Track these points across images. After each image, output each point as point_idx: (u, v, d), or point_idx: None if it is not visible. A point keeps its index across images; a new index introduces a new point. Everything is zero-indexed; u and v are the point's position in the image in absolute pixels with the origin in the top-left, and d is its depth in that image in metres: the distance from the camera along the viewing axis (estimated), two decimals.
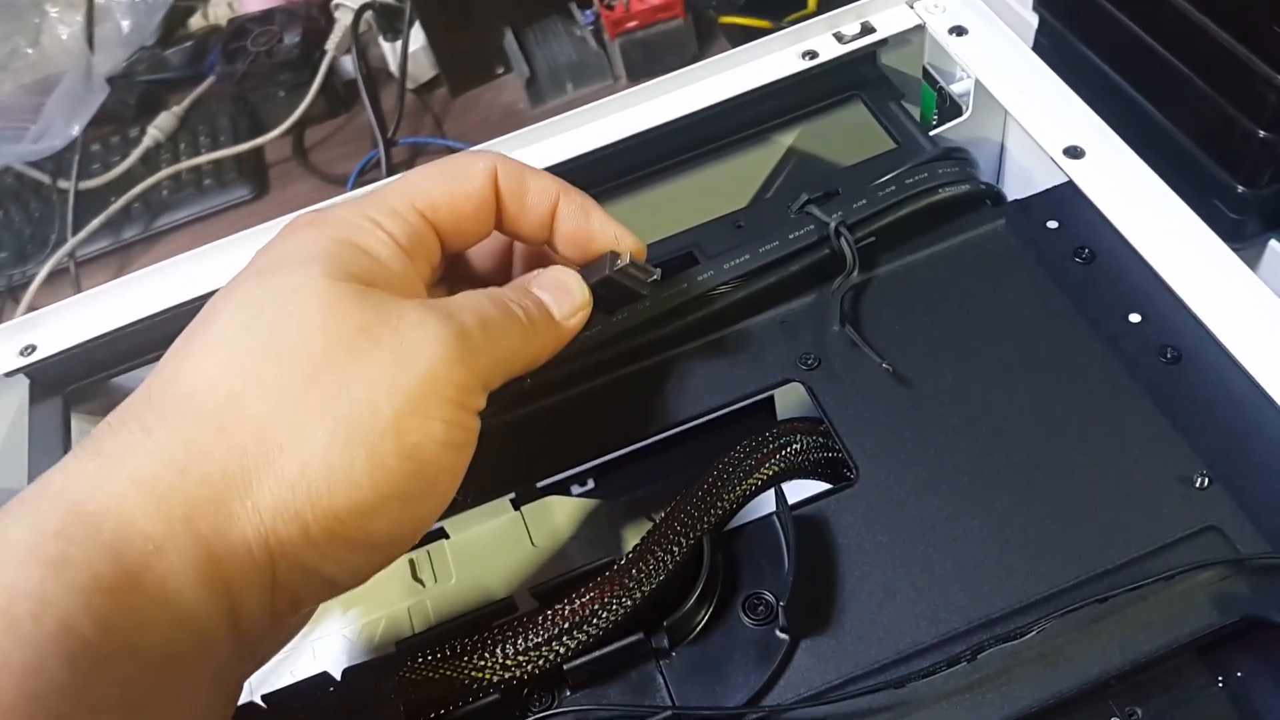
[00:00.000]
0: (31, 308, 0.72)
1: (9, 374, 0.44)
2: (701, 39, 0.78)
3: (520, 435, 0.37)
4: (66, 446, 0.43)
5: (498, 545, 0.39)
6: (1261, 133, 0.41)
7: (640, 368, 0.38)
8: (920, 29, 0.47)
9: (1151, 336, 0.35)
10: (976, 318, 0.37)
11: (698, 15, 0.77)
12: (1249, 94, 0.42)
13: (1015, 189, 0.44)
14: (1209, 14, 0.43)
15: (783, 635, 0.30)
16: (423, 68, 0.81)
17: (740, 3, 0.77)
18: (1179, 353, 0.34)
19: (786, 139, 0.48)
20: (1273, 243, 0.44)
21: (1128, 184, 0.39)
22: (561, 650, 0.30)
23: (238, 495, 0.25)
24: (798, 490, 0.34)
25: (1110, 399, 0.34)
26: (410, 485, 0.27)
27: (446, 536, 0.39)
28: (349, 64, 0.82)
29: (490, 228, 0.33)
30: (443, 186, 0.31)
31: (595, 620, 0.30)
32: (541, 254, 0.36)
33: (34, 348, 0.44)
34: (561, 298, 0.32)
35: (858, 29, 0.47)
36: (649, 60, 0.76)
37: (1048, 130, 0.41)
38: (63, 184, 0.78)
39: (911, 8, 0.48)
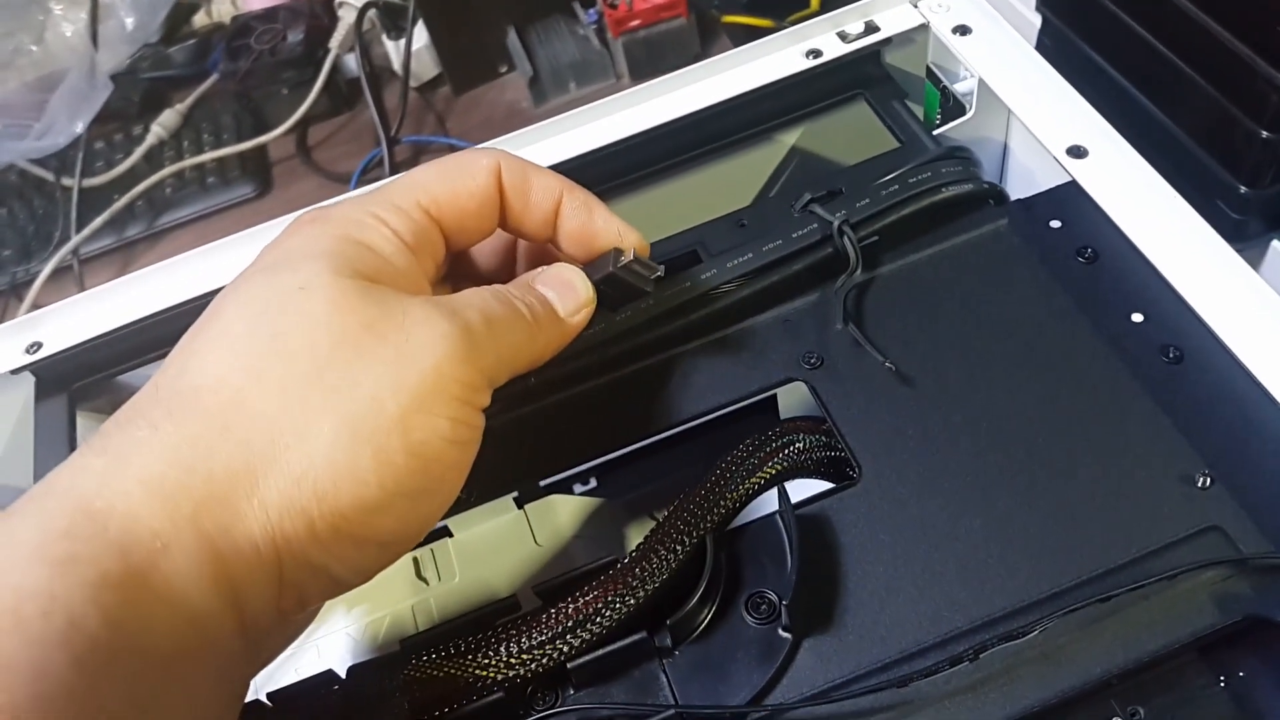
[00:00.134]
0: (35, 305, 0.72)
1: (15, 371, 0.44)
2: (704, 38, 0.78)
3: (523, 434, 0.37)
4: (72, 443, 0.44)
5: (501, 544, 0.39)
6: (1264, 133, 0.42)
7: (643, 366, 0.38)
8: (924, 28, 0.47)
9: (1154, 336, 0.35)
10: (979, 317, 0.37)
11: (701, 14, 0.77)
12: (1251, 94, 0.42)
13: (1018, 188, 0.44)
14: (1212, 14, 0.43)
15: (785, 634, 0.30)
16: (426, 66, 0.81)
17: (743, 2, 0.77)
18: (1181, 352, 0.34)
19: (790, 138, 0.48)
20: (1275, 243, 0.44)
21: (1130, 184, 0.39)
22: (565, 649, 0.30)
23: (244, 493, 0.25)
24: (800, 489, 0.34)
25: (1112, 398, 0.34)
26: (416, 482, 0.27)
27: (450, 535, 0.39)
28: (352, 62, 0.82)
29: (494, 225, 0.33)
30: (446, 184, 0.32)
31: (598, 619, 0.30)
32: (545, 251, 0.36)
33: (40, 345, 0.44)
34: (566, 294, 0.32)
35: (861, 28, 0.47)
36: (652, 59, 0.76)
37: (1051, 130, 0.41)
38: (66, 181, 0.79)
39: (915, 7, 0.48)
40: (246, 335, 0.27)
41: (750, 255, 0.39)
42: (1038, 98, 0.42)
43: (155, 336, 0.44)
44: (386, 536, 0.27)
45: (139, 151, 0.79)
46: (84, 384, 0.45)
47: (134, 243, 0.78)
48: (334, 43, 0.80)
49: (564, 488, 0.40)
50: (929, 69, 0.49)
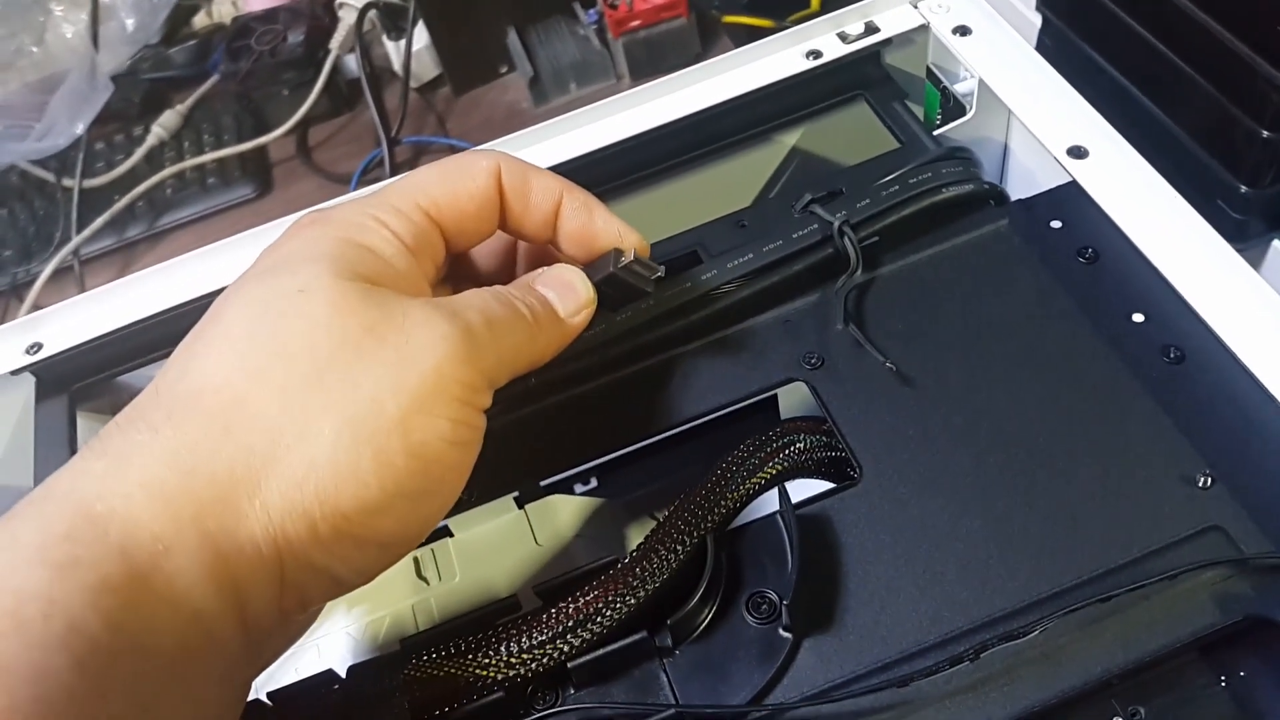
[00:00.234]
0: (36, 306, 0.72)
1: (15, 372, 0.44)
2: (705, 39, 0.78)
3: (524, 434, 0.37)
4: (73, 445, 0.44)
5: (502, 544, 0.39)
6: (1265, 133, 0.42)
7: (644, 367, 0.38)
8: (924, 29, 0.47)
9: (1154, 336, 0.35)
10: (980, 317, 0.37)
11: (701, 15, 0.77)
12: (1252, 94, 0.42)
13: (1019, 189, 0.44)
14: (1212, 14, 0.43)
15: (786, 634, 0.30)
16: (426, 67, 0.81)
17: (744, 2, 0.77)
18: (1182, 352, 0.34)
19: (790, 138, 0.48)
20: (1276, 243, 0.44)
21: (1131, 184, 0.39)
22: (565, 648, 0.30)
23: (245, 494, 0.25)
24: (801, 489, 0.34)
25: (1113, 399, 0.34)
26: (417, 483, 0.27)
27: (451, 535, 0.39)
28: (353, 63, 0.82)
29: (494, 226, 0.33)
30: (446, 185, 0.32)
31: (599, 619, 0.30)
32: (545, 253, 0.36)
33: (40, 346, 0.44)
34: (566, 295, 0.32)
35: (861, 29, 0.47)
36: (652, 60, 0.76)
37: (1051, 130, 0.41)
38: (67, 182, 0.79)
39: (915, 7, 0.48)
40: (247, 338, 0.27)
41: (751, 256, 0.39)
42: (1038, 98, 0.42)
43: (156, 337, 0.44)
44: (387, 537, 0.27)
45: (139, 152, 0.80)
46: (84, 385, 0.45)
47: (134, 243, 0.78)
48: (334, 43, 0.80)
49: (565, 488, 0.40)
50: (929, 69, 0.49)
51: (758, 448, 0.35)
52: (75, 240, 0.76)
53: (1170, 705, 0.31)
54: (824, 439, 0.36)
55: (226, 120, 0.82)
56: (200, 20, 0.90)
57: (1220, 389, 0.33)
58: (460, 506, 0.33)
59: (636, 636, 0.30)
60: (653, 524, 0.33)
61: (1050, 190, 0.40)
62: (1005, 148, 0.46)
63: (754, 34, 0.71)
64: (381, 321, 0.27)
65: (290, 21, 0.82)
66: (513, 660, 0.30)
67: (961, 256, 0.39)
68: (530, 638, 0.30)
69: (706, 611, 0.31)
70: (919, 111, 0.49)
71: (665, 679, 0.30)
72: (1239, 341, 0.33)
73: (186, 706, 0.24)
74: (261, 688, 0.31)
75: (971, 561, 0.31)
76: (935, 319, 0.37)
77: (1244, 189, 0.44)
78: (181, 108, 0.83)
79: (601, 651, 0.30)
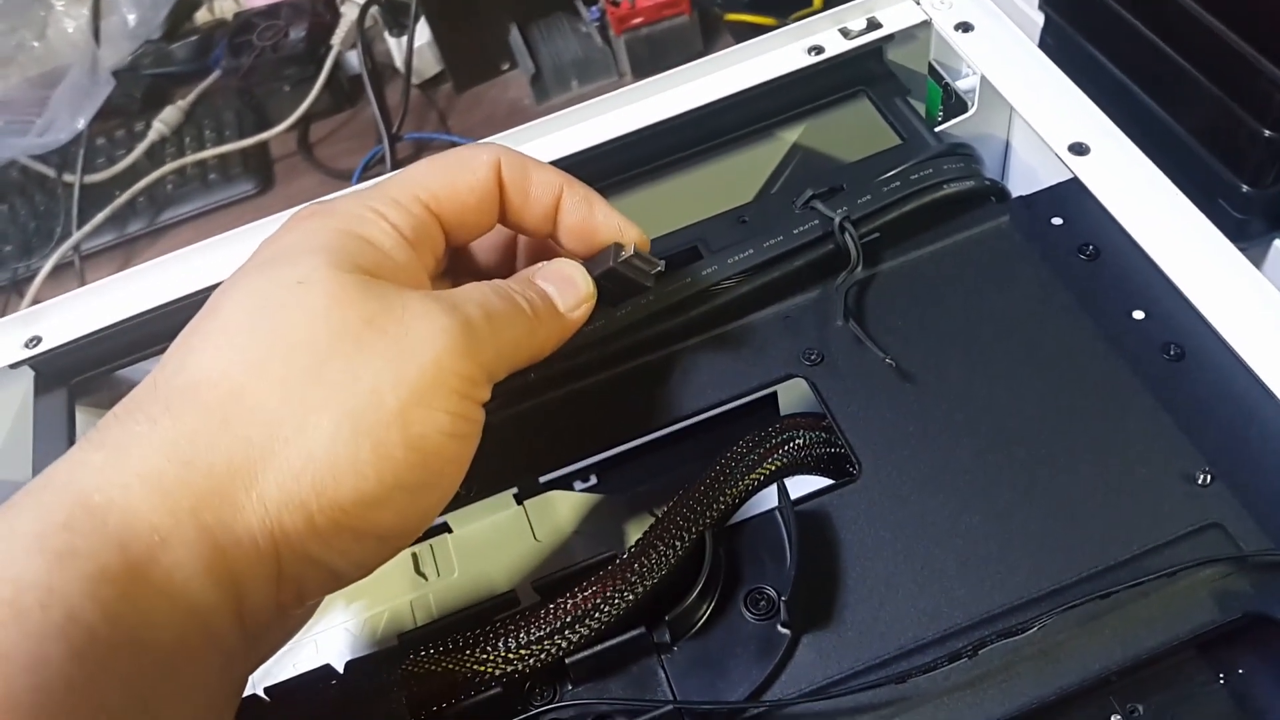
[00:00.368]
0: (36, 301, 0.72)
1: (14, 366, 0.44)
2: (707, 35, 0.77)
3: (523, 430, 0.37)
4: (71, 438, 0.44)
5: (500, 539, 0.39)
6: (1267, 132, 0.41)
7: (643, 362, 0.38)
8: (926, 25, 0.47)
9: (1155, 333, 0.35)
10: (980, 314, 0.37)
11: (703, 12, 0.77)
12: (1255, 93, 0.42)
13: (1020, 185, 0.44)
14: (1215, 13, 0.43)
15: (784, 630, 0.30)
16: (428, 63, 0.81)
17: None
18: (1182, 350, 0.34)
19: (791, 134, 0.48)
20: (1277, 242, 0.44)
21: (1132, 181, 0.38)
22: (563, 644, 0.30)
23: (243, 487, 0.25)
24: (800, 485, 0.34)
25: (1113, 396, 0.34)
26: (415, 476, 0.27)
27: (449, 530, 0.39)
28: (354, 59, 0.82)
29: (494, 220, 0.33)
30: (446, 178, 0.31)
31: (597, 614, 0.30)
32: (545, 247, 0.36)
33: (39, 340, 0.44)
34: (566, 289, 0.32)
35: (863, 25, 0.47)
36: (654, 57, 0.76)
37: (1053, 127, 0.41)
38: (68, 177, 0.79)
39: (918, 4, 0.47)
40: (245, 330, 0.27)
41: (751, 251, 0.39)
42: (1040, 95, 0.42)
43: (155, 331, 0.44)
44: (385, 530, 0.27)
45: (140, 148, 0.79)
46: (83, 379, 0.45)
47: (135, 239, 0.78)
48: (336, 39, 0.80)
49: (564, 484, 0.40)
50: (931, 66, 0.49)
51: (757, 444, 0.35)
52: (76, 236, 0.76)
53: (1169, 702, 0.31)
54: (823, 435, 0.36)
55: (228, 116, 0.82)
56: (202, 16, 0.90)
57: (1220, 387, 0.33)
58: (459, 502, 0.33)
59: (635, 632, 0.30)
60: (651, 520, 0.33)
61: (1051, 187, 0.40)
62: (1007, 144, 0.46)
63: (756, 31, 0.71)
64: (381, 314, 0.27)
65: (292, 17, 0.82)
66: (511, 656, 0.30)
67: (962, 253, 0.39)
68: (528, 633, 0.30)
69: (705, 607, 0.31)
70: (921, 108, 0.49)
71: (663, 675, 0.30)
72: (1239, 339, 0.33)
73: (183, 699, 0.24)
74: (259, 683, 0.31)
75: (970, 558, 0.31)
76: (935, 315, 0.37)
77: (1245, 188, 0.43)
78: (183, 103, 0.83)
79: (599, 647, 0.30)
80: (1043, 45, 0.53)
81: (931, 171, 0.40)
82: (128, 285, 0.45)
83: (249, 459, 0.25)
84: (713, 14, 0.78)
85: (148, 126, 0.81)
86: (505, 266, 0.36)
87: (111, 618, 0.23)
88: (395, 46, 0.80)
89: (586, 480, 0.41)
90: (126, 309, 0.44)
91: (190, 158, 0.79)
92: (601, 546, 0.34)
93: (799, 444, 0.35)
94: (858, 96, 0.48)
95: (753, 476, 0.34)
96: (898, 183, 0.40)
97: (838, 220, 0.39)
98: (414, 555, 0.40)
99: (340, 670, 0.32)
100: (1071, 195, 0.39)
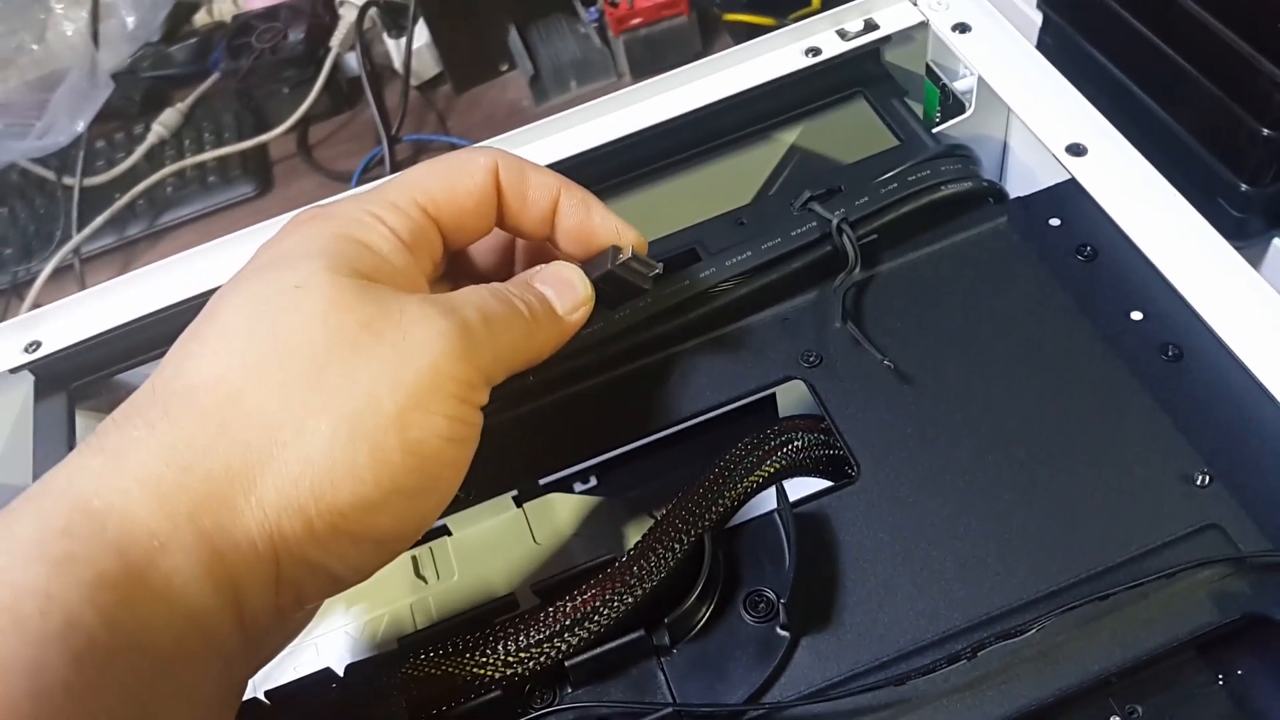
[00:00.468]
0: (36, 304, 0.72)
1: (14, 370, 0.44)
2: (705, 36, 0.77)
3: (522, 432, 0.37)
4: (71, 443, 0.44)
5: (500, 542, 0.39)
6: (1265, 131, 0.41)
7: (642, 365, 0.38)
8: (923, 26, 0.47)
9: (1153, 334, 0.35)
10: (978, 315, 0.37)
11: (702, 12, 0.77)
12: (1253, 92, 0.42)
13: (1018, 186, 0.44)
14: (1214, 12, 0.43)
15: (783, 632, 0.30)
16: (427, 65, 0.81)
17: (744, 0, 0.77)
18: (1180, 351, 0.34)
19: (789, 136, 0.48)
20: (1276, 241, 0.44)
21: (1130, 182, 0.39)
22: (563, 647, 0.30)
23: (241, 491, 0.25)
24: (799, 488, 0.34)
25: (1111, 397, 0.34)
26: (413, 480, 0.27)
27: (449, 533, 0.39)
28: (353, 61, 0.82)
29: (492, 223, 0.33)
30: (444, 182, 0.32)
31: (596, 617, 0.30)
32: (543, 250, 0.36)
33: (39, 344, 0.44)
34: (564, 292, 0.32)
35: (861, 26, 0.47)
36: (653, 57, 0.76)
37: (1050, 127, 0.41)
38: (67, 180, 0.79)
39: (915, 5, 0.47)
40: (244, 334, 0.27)
41: (749, 253, 0.39)
42: (1037, 95, 0.42)
43: (154, 335, 0.44)
44: (384, 534, 0.27)
45: (140, 150, 0.80)
46: (83, 383, 0.45)
47: (135, 242, 0.78)
48: (335, 41, 0.80)
49: (563, 486, 0.40)
50: (928, 67, 0.49)
51: (755, 446, 0.35)
52: (76, 239, 0.76)
53: (1168, 704, 0.31)
54: (822, 437, 0.36)
55: (227, 118, 0.82)
56: (201, 18, 0.90)
57: (1218, 387, 0.33)
58: (458, 505, 0.33)
59: (634, 635, 0.30)
60: (651, 522, 0.33)
61: (1049, 188, 0.40)
62: (1004, 145, 0.46)
63: (755, 32, 0.71)
64: (379, 318, 0.27)
65: (291, 19, 0.82)
66: (510, 659, 0.30)
67: (960, 254, 0.39)
68: (528, 636, 0.30)
69: (704, 610, 0.31)
70: (918, 109, 0.49)
71: (663, 678, 0.30)
72: (1238, 340, 0.33)
73: (183, 703, 0.24)
74: (259, 686, 0.31)
75: (969, 560, 0.31)
76: (934, 317, 0.37)
77: (1244, 187, 0.43)
78: (182, 106, 0.83)
79: (599, 650, 0.30)
80: (1041, 45, 0.53)
81: (929, 173, 0.40)
82: (127, 289, 0.45)
83: (247, 463, 0.25)
84: (711, 14, 0.78)
85: (147, 129, 0.81)
86: (503, 270, 0.36)
87: (110, 623, 0.23)
88: (394, 48, 0.80)
89: (586, 482, 0.41)
90: (126, 313, 0.44)
91: (189, 160, 0.79)
92: (601, 549, 0.34)
93: (798, 446, 0.35)
94: (855, 98, 0.48)
95: (752, 479, 0.34)
96: (895, 184, 0.40)
97: (835, 222, 0.39)
98: (414, 558, 0.40)
99: (340, 673, 0.32)
100: (1069, 196, 0.39)
